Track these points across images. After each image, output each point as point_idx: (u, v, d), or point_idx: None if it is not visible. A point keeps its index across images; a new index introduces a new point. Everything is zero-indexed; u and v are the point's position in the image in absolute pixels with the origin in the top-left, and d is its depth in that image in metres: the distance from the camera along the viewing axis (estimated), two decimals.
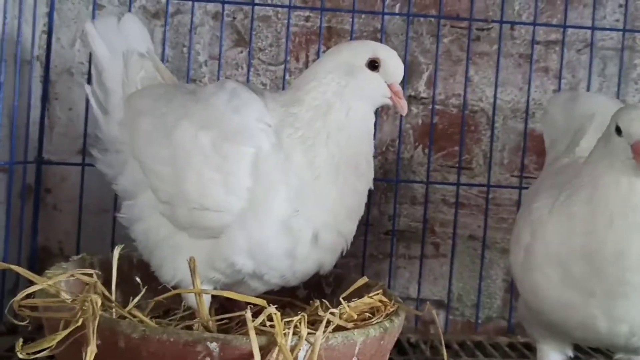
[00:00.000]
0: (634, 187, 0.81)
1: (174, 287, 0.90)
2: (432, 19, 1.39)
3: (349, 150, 0.92)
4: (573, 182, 0.88)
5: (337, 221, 0.92)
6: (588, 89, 1.39)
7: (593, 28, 1.38)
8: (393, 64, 0.95)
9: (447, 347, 1.22)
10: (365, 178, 0.96)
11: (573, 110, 1.14)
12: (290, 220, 0.89)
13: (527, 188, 1.35)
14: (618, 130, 0.83)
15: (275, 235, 0.89)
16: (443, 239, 1.42)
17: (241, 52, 1.39)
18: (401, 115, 1.37)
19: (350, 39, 1.36)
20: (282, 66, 1.38)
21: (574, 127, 1.10)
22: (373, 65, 0.94)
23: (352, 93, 0.93)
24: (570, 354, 0.99)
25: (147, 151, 0.95)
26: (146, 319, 0.79)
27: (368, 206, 1.33)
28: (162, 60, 1.33)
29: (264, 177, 0.89)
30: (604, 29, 1.40)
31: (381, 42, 1.36)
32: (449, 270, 1.39)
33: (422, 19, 1.40)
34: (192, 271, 0.79)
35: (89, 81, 1.13)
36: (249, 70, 1.35)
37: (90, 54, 1.14)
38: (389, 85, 0.95)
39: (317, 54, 1.38)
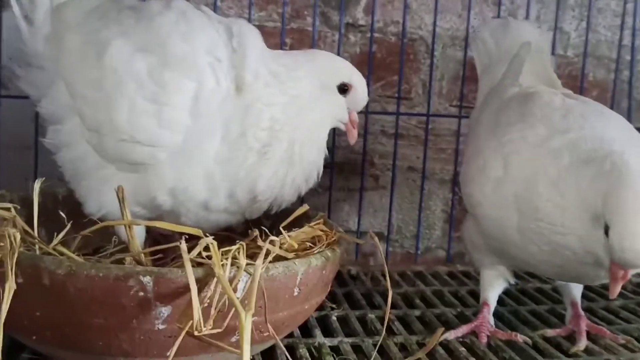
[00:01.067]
0: None
1: (101, 221, 0.84)
2: None
3: (305, 156, 0.89)
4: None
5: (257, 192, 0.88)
6: (527, 16, 1.38)
7: None
8: (361, 94, 0.94)
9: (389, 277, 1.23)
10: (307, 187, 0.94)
11: (505, 37, 1.14)
12: (214, 168, 0.84)
13: (466, 117, 1.35)
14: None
15: (199, 180, 0.84)
16: (382, 171, 1.40)
17: None
18: (339, 44, 1.34)
19: None
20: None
21: (508, 54, 1.10)
22: (342, 89, 0.92)
23: (320, 106, 0.90)
24: (512, 280, 0.99)
25: (75, 72, 0.87)
26: (72, 255, 0.73)
27: None
28: None
29: (203, 116, 0.83)
30: None
31: None
32: (389, 202, 1.38)
33: None
34: (121, 201, 0.74)
35: None
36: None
37: None
38: (349, 112, 0.94)
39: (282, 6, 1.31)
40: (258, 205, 0.90)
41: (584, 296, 1.04)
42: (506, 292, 1.05)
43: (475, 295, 1.13)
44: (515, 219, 0.86)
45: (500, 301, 1.02)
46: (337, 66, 0.94)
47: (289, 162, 0.88)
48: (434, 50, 1.37)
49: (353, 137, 0.95)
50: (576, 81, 1.41)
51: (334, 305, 1.04)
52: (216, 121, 0.84)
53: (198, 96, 0.83)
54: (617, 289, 0.78)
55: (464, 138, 1.33)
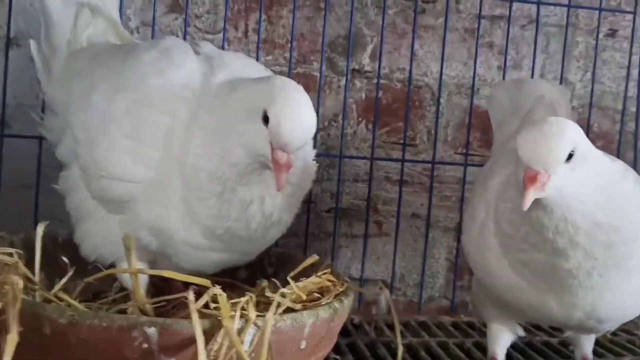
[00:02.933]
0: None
1: (94, 262, 0.84)
2: None
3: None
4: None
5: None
6: (532, 66, 1.38)
7: (539, 3, 1.36)
8: (276, 127, 0.74)
9: (391, 327, 1.20)
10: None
11: (520, 94, 1.14)
12: (180, 206, 0.81)
13: (471, 165, 1.34)
14: None
15: (172, 217, 0.81)
16: (386, 218, 1.38)
17: (176, 18, 1.30)
18: (345, 89, 1.34)
19: (293, 9, 1.30)
20: (220, 35, 1.30)
21: (522, 109, 1.09)
22: (265, 117, 0.76)
23: (234, 134, 0.78)
24: (521, 333, 0.97)
25: (73, 115, 0.87)
26: (74, 303, 0.71)
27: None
28: None
29: (175, 149, 0.80)
30: (548, 3, 1.38)
31: (325, 12, 1.31)
32: (392, 249, 1.36)
33: None
34: (128, 249, 0.72)
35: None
36: (184, 39, 1.27)
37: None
38: (273, 148, 0.75)
39: (257, 23, 1.31)
40: (242, 244, 0.85)
41: (594, 352, 1.01)
42: (513, 346, 1.03)
43: (481, 347, 1.11)
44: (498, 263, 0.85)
45: (507, 355, 0.99)
46: (265, 89, 0.78)
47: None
48: (440, 98, 1.37)
49: (278, 181, 0.75)
50: None
51: (337, 357, 1.01)
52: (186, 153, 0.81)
53: (171, 131, 0.80)
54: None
55: (469, 186, 1.32)
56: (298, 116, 0.75)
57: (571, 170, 0.74)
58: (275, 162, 0.74)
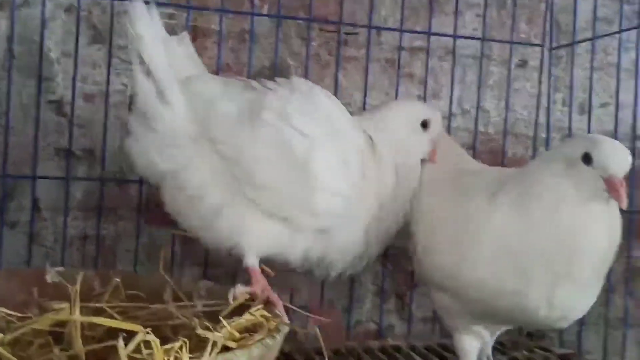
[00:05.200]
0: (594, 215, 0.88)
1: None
2: (301, 22, 1.37)
3: None
4: (523, 184, 0.93)
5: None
6: (450, 95, 1.44)
7: (455, 36, 1.43)
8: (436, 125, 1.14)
9: (322, 354, 1.21)
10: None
11: None
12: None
13: None
14: (586, 159, 0.86)
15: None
16: None
17: (99, 49, 1.29)
18: None
19: (219, 40, 1.31)
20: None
21: None
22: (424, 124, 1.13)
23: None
24: (488, 339, 1.03)
25: (232, 139, 0.98)
26: (5, 352, 0.69)
27: None
28: (10, 57, 1.21)
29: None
30: (464, 37, 1.45)
31: (250, 43, 1.33)
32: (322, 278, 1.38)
33: (290, 21, 1.37)
34: (73, 300, 0.71)
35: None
36: (108, 70, 1.26)
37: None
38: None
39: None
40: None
41: None
42: None
43: None
44: None
45: None
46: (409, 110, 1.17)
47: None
48: None
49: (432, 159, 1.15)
50: (497, 156, 1.48)
51: None
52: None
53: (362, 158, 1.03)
54: (623, 194, 0.85)
55: None
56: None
57: None
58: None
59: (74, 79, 1.23)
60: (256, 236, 1.00)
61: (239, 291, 0.96)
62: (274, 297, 0.99)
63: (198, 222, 1.02)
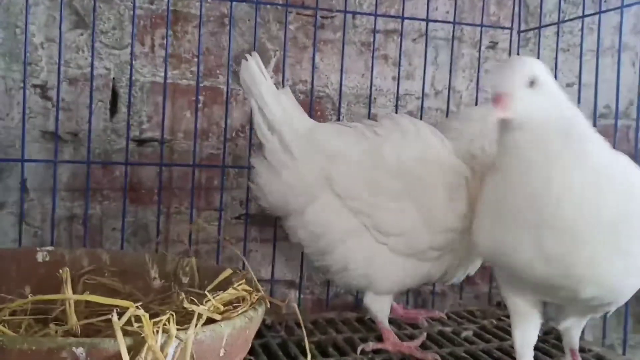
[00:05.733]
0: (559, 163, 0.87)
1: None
2: (279, 7, 1.41)
3: None
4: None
5: None
6: (423, 76, 1.49)
7: (427, 20, 1.47)
8: None
9: (301, 326, 1.27)
10: None
11: None
12: None
13: None
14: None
15: None
16: None
17: (81, 34, 1.33)
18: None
19: (199, 24, 1.34)
20: (127, 50, 1.33)
21: None
22: None
23: None
24: (539, 308, 1.00)
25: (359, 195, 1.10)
26: (2, 328, 0.74)
27: (221, 192, 1.35)
28: None
29: None
30: (436, 21, 1.50)
31: (229, 27, 1.37)
32: (301, 251, 1.43)
33: (269, 6, 1.41)
34: (65, 281, 0.76)
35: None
36: (92, 54, 1.29)
37: None
38: None
39: (163, 38, 1.35)
40: None
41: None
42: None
43: (382, 340, 1.21)
44: None
45: None
46: None
47: None
48: (340, 107, 1.46)
49: None
50: None
51: (251, 358, 1.08)
52: None
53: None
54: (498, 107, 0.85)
55: None
56: None
57: (535, 95, 0.85)
58: None
59: (58, 63, 1.27)
60: (385, 273, 1.13)
61: (369, 348, 1.14)
62: (407, 349, 1.14)
63: (316, 253, 1.16)
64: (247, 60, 1.11)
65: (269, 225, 1.42)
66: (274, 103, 1.11)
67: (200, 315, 0.75)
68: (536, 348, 1.04)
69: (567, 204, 0.85)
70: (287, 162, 1.11)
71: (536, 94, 0.85)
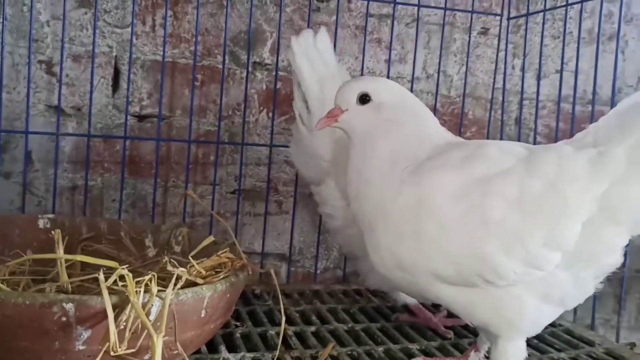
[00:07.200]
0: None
1: None
2: None
3: None
4: None
5: None
6: (414, 60, 1.54)
7: (419, 5, 1.52)
8: None
9: (289, 296, 1.34)
10: None
11: None
12: None
13: None
14: None
15: None
16: (285, 197, 1.52)
17: (85, 13, 1.38)
18: (246, 81, 1.45)
19: (197, 5, 1.40)
20: (129, 29, 1.39)
21: None
22: None
23: None
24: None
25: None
26: (1, 285, 0.81)
27: (215, 168, 1.41)
28: (2, 19, 1.30)
29: None
30: (428, 6, 1.54)
31: (227, 9, 1.42)
32: (291, 225, 1.50)
33: None
34: (57, 242, 0.82)
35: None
36: (94, 33, 1.35)
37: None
38: None
39: (164, 18, 1.40)
40: None
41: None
42: None
43: (364, 311, 1.28)
44: None
45: None
46: None
47: None
48: None
49: None
50: (458, 118, 1.59)
51: (238, 323, 1.14)
52: None
53: None
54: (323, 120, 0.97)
55: None
56: None
57: (364, 111, 0.94)
58: None
59: (62, 40, 1.33)
60: None
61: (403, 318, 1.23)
62: (435, 323, 1.21)
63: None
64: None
65: (262, 200, 1.48)
66: (313, 80, 1.18)
67: (179, 277, 0.82)
68: None
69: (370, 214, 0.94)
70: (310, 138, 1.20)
71: (365, 109, 0.94)
